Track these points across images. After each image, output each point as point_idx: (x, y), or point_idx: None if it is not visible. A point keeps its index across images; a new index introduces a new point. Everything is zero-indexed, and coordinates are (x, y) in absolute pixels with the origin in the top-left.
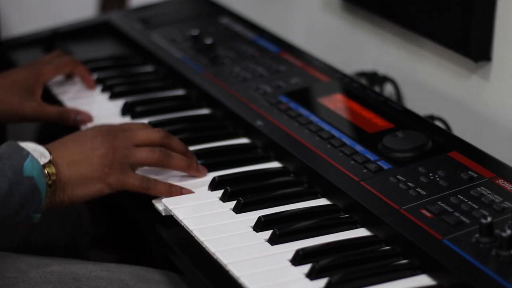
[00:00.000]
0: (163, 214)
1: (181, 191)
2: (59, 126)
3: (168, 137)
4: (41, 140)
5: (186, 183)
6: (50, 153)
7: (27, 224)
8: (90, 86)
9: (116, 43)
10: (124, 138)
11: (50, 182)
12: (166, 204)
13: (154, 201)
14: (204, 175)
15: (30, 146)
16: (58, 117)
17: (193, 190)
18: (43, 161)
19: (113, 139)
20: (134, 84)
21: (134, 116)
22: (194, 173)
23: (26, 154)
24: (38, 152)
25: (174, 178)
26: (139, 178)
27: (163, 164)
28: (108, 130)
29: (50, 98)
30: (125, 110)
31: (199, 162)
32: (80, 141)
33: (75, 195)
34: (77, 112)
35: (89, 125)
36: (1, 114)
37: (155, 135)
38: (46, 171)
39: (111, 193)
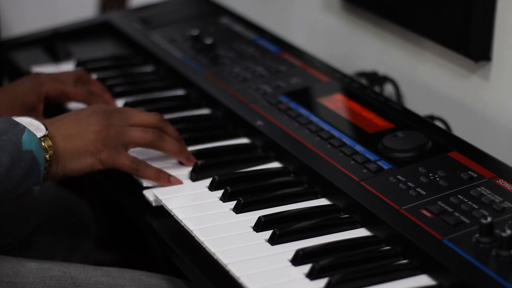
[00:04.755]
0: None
1: (169, 179)
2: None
3: (163, 121)
4: None
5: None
6: (46, 127)
7: (27, 195)
8: (109, 101)
9: (116, 43)
10: (120, 118)
11: (47, 155)
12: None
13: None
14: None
15: (25, 121)
16: None
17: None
18: (39, 134)
19: (109, 117)
20: (134, 84)
21: None
22: (184, 159)
23: (22, 128)
24: (34, 126)
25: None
26: (130, 158)
27: (155, 146)
28: (105, 109)
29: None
30: None
31: (199, 162)
32: (76, 117)
33: (68, 168)
34: None
35: None
36: None
37: (151, 117)
38: (43, 144)
39: (102, 169)
